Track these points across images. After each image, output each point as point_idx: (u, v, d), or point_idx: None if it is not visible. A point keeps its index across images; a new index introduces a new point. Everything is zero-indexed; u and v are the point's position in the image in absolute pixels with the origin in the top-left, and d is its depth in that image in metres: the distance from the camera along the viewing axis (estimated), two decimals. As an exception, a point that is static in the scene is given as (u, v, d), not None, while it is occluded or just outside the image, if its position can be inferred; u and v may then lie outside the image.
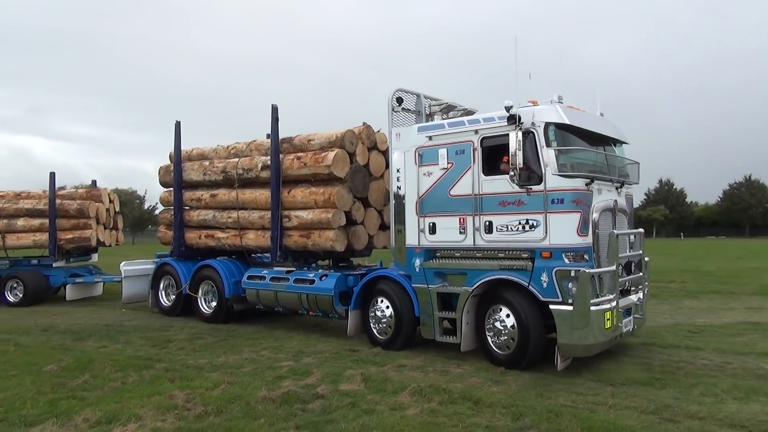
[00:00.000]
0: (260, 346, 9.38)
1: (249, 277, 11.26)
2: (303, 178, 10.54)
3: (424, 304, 8.52)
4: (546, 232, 7.35)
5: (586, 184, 7.39)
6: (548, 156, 7.33)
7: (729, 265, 25.53)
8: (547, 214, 7.34)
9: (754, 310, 12.68)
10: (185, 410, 5.98)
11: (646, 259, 8.77)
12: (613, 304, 7.42)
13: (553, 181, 7.30)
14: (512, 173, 7.41)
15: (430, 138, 8.54)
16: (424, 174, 8.56)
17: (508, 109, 7.53)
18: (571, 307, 7.13)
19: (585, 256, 7.34)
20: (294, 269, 10.74)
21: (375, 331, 9.19)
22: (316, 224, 10.20)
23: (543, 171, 7.35)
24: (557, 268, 7.25)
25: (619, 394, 6.59)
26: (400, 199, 8.92)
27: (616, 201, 8.00)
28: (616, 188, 8.13)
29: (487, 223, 7.87)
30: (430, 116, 9.56)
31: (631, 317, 8.22)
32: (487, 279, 7.85)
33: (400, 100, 9.21)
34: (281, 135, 10.88)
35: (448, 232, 8.28)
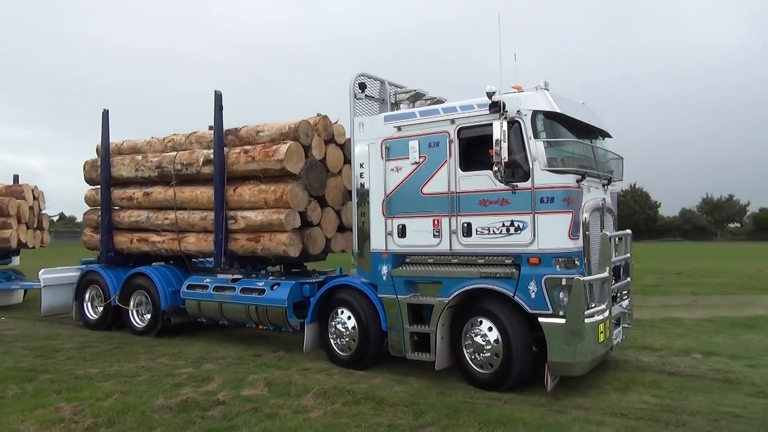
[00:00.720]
0: (158, 353, 8.84)
1: (189, 287, 9.94)
2: (251, 174, 9.34)
3: (393, 317, 7.51)
4: (534, 235, 6.48)
5: (577, 181, 6.58)
6: (536, 148, 6.47)
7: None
8: (536, 215, 6.47)
9: (636, 308, 12.49)
10: (72, 423, 5.68)
11: (631, 262, 8.08)
12: (606, 314, 6.65)
13: (541, 177, 6.44)
14: (496, 168, 6.50)
15: (399, 128, 7.53)
16: (392, 169, 7.55)
17: (490, 95, 6.62)
18: (563, 320, 6.29)
19: (576, 262, 6.52)
20: (241, 277, 9.52)
21: (335, 346, 8.11)
22: (267, 226, 9.02)
23: (530, 166, 6.48)
24: (547, 276, 6.40)
25: (513, 389, 6.69)
26: (363, 198, 7.88)
27: (604, 199, 7.24)
28: (603, 185, 7.37)
29: (466, 224, 6.94)
30: (395, 105, 8.55)
31: (620, 327, 7.51)
32: (465, 288, 6.92)
33: (362, 86, 8.17)
34: (226, 126, 9.63)
35: (421, 235, 7.31)
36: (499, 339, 6.70)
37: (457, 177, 7.00)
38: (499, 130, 6.42)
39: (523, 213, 6.56)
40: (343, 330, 7.99)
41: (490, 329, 6.78)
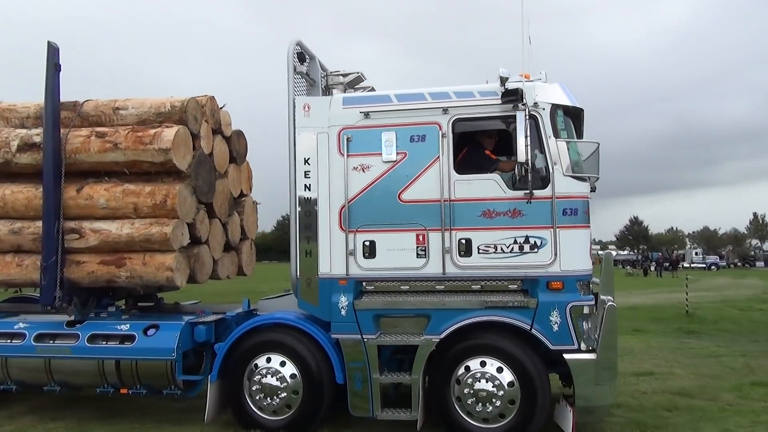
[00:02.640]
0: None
1: (-17, 337, 6.46)
2: (107, 168, 6.47)
3: (355, 364, 5.61)
4: (555, 254, 5.34)
5: (592, 189, 5.67)
6: (557, 149, 5.38)
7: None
8: (557, 230, 5.35)
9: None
10: None
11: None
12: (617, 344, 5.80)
13: (563, 184, 5.36)
14: (517, 171, 5.25)
15: (367, 115, 5.76)
16: (356, 168, 5.73)
17: (504, 80, 5.36)
18: (593, 356, 5.24)
19: (591, 286, 5.59)
20: (79, 319, 6.48)
21: (259, 409, 5.83)
22: (139, 244, 6.26)
23: (551, 170, 5.36)
24: (573, 304, 5.30)
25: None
26: (309, 206, 5.86)
27: None
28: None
29: (463, 241, 5.48)
30: (326, 90, 6.66)
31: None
32: (465, 322, 5.43)
33: (302, 58, 6.17)
34: (62, 98, 6.56)
35: (398, 254, 5.61)
36: (515, 382, 5.35)
37: (452, 181, 5.53)
38: (523, 123, 5.19)
39: (541, 227, 5.38)
40: (276, 384, 5.75)
41: (499, 370, 5.38)
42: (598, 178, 5.64)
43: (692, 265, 59.61)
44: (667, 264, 47.08)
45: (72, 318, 6.45)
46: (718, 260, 67.78)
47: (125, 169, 6.41)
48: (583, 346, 5.27)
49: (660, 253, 47.34)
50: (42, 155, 6.39)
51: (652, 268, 47.53)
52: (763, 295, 23.82)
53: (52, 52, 6.41)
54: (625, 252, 79.02)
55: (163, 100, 6.62)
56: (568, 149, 5.41)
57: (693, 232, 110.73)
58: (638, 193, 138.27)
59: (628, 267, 55.29)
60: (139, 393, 6.26)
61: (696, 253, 72.56)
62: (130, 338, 6.15)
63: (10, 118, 6.92)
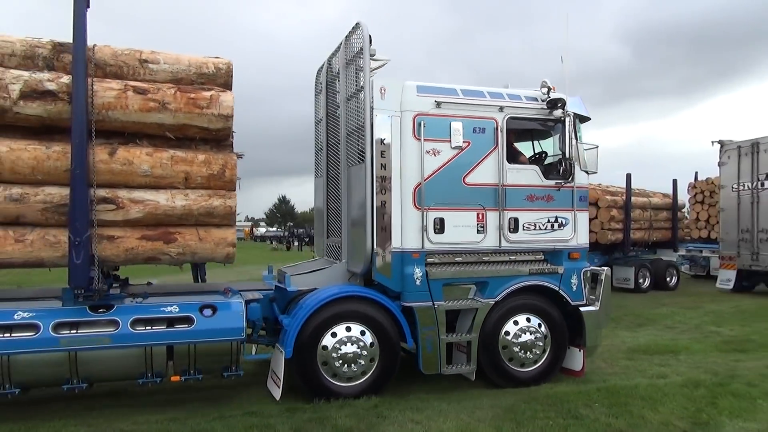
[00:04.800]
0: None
1: (-26, 331, 5.08)
2: (144, 129, 5.64)
3: (427, 329, 6.27)
4: (574, 231, 6.88)
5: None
6: (578, 150, 6.89)
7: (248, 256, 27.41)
8: (576, 212, 6.89)
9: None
10: None
11: None
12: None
13: (580, 177, 6.93)
14: (564, 165, 6.63)
15: (439, 105, 6.36)
16: (428, 152, 6.31)
17: (548, 90, 6.63)
18: (596, 308, 6.95)
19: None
20: (107, 304, 5.59)
21: (334, 378, 6.03)
22: (195, 217, 5.68)
23: (574, 165, 6.85)
24: (585, 269, 6.93)
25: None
26: (384, 184, 6.21)
27: None
28: None
29: (513, 220, 6.62)
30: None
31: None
32: (517, 286, 6.59)
33: (370, 39, 6.36)
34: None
35: (462, 230, 6.44)
36: (548, 334, 6.72)
37: (504, 169, 6.58)
38: (569, 127, 6.54)
39: (565, 210, 6.85)
40: (357, 351, 6.03)
41: (539, 325, 6.69)
42: (596, 173, 7.32)
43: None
44: (307, 239, 48.32)
45: (91, 304, 5.50)
46: None
47: (167, 133, 5.69)
48: (594, 302, 6.94)
49: (303, 230, 51.62)
50: (57, 106, 5.26)
51: (295, 243, 50.00)
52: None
53: (79, -19, 5.28)
54: (274, 228, 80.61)
55: (202, 59, 5.99)
56: (584, 150, 6.96)
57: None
58: (287, 174, 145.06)
59: (275, 242, 58.55)
60: (190, 379, 5.76)
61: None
62: (187, 320, 5.61)
63: (14, 55, 5.35)
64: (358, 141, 6.48)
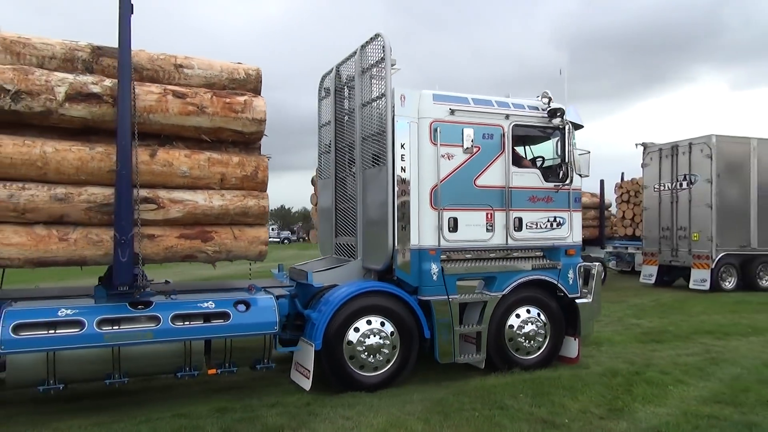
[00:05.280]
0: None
1: (19, 327, 5.17)
2: (183, 132, 5.87)
3: (443, 321, 6.73)
4: (570, 230, 7.50)
5: None
6: (575, 155, 7.51)
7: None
8: (572, 212, 7.52)
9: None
10: None
11: None
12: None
13: (576, 179, 7.55)
14: (564, 169, 7.24)
15: (452, 112, 6.84)
16: (443, 156, 6.78)
17: (549, 100, 7.23)
18: (589, 300, 7.59)
19: None
20: (146, 301, 5.77)
21: (360, 369, 6.40)
22: (231, 217, 5.95)
23: (571, 170, 7.46)
24: (579, 264, 7.56)
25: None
26: (404, 186, 6.64)
27: None
28: None
29: (517, 219, 7.17)
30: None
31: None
32: (522, 280, 7.14)
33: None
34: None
35: (473, 229, 6.94)
36: (547, 323, 7.31)
37: (510, 172, 7.13)
38: (568, 134, 7.16)
39: (563, 210, 7.46)
40: (380, 342, 6.42)
41: (539, 314, 7.27)
42: (588, 176, 7.97)
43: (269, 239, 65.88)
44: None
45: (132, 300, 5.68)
46: (290, 235, 74.07)
47: (204, 136, 5.93)
48: (587, 294, 7.58)
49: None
50: (101, 109, 5.43)
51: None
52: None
53: (123, -9, 5.47)
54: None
55: (233, 65, 6.27)
56: (579, 155, 7.59)
57: (273, 209, 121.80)
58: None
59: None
60: (225, 372, 6.01)
61: (272, 228, 75.04)
62: (223, 316, 5.86)
63: (24, 54, 5.44)
64: (376, 145, 6.88)
